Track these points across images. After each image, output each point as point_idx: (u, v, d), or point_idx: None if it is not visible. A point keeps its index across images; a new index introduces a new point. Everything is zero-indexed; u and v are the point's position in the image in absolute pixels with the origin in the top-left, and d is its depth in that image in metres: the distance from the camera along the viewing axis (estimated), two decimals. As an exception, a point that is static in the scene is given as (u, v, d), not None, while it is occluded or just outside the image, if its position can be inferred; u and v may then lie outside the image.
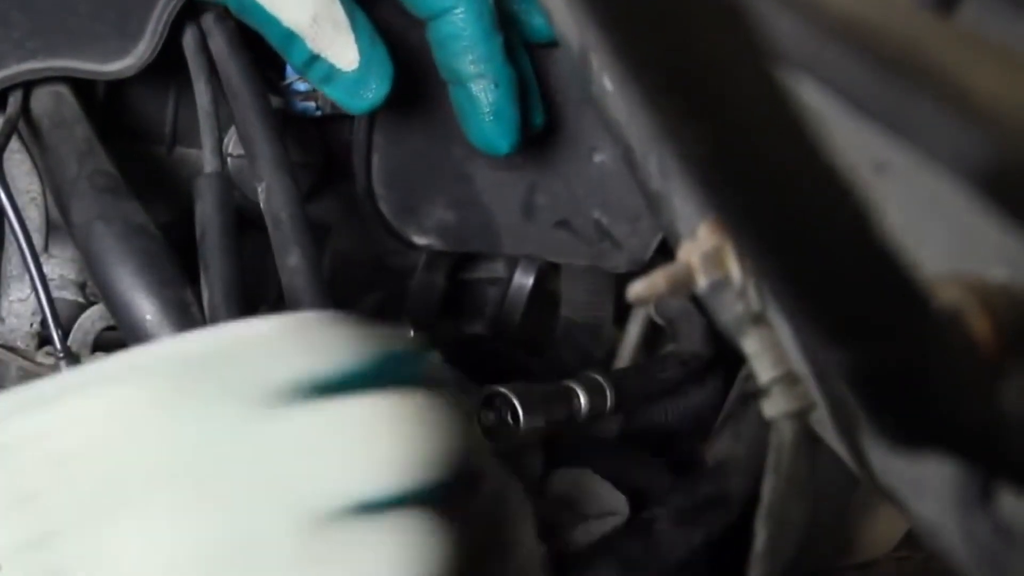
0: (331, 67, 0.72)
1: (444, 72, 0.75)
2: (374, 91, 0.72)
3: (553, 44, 0.79)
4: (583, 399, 0.79)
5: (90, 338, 0.74)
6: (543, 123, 0.80)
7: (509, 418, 0.75)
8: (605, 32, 0.25)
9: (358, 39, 0.71)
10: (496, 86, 0.74)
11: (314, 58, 0.72)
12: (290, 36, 0.71)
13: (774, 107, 0.26)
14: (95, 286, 0.73)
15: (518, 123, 0.76)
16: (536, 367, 0.92)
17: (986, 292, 0.33)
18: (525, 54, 0.79)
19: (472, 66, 0.73)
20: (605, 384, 0.80)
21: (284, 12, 0.70)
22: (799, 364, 0.42)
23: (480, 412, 0.75)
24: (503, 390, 0.75)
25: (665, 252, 0.89)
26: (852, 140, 0.37)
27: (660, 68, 0.25)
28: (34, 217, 0.73)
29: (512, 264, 0.97)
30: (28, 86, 0.73)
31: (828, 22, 0.38)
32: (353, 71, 0.72)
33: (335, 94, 0.73)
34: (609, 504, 0.80)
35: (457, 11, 0.72)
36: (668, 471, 0.87)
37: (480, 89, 0.74)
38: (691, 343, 0.89)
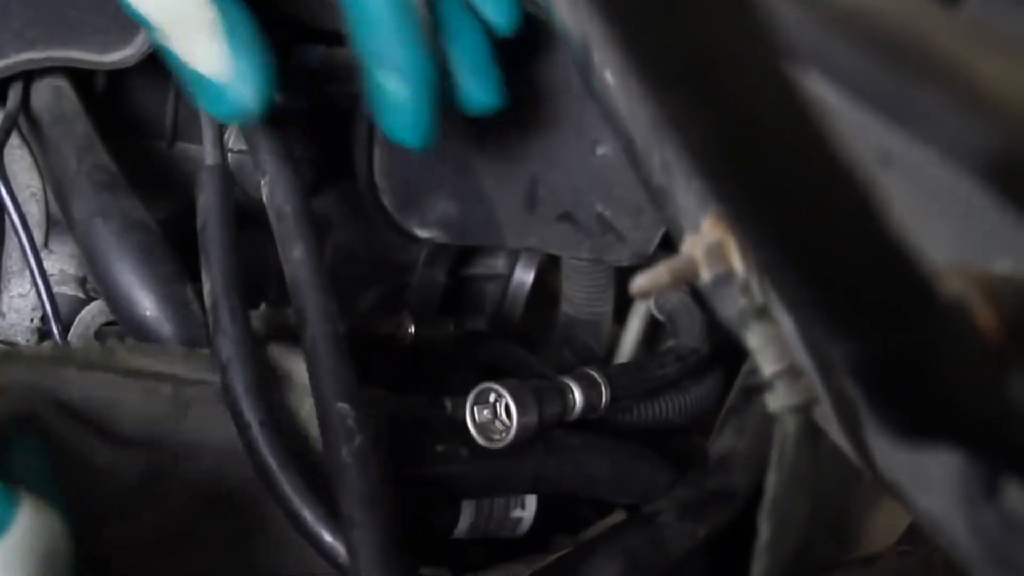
0: (197, 73, 0.64)
1: (359, 56, 0.66)
2: (240, 98, 0.64)
3: (511, 36, 0.71)
4: (577, 395, 0.78)
5: (90, 333, 0.74)
6: (499, 103, 0.71)
7: (503, 414, 0.75)
8: (608, 24, 0.25)
9: (230, 43, 0.63)
10: (408, 79, 0.65)
11: (180, 63, 0.64)
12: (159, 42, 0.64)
13: (779, 98, 0.26)
14: (95, 281, 0.73)
15: (432, 119, 0.67)
16: (536, 363, 0.92)
17: (992, 283, 0.33)
18: (478, 28, 0.70)
19: (385, 56, 0.65)
20: (600, 380, 0.79)
21: (142, 3, 0.63)
22: (802, 357, 0.42)
23: (473, 408, 0.75)
24: (496, 386, 0.75)
25: (667, 246, 0.89)
26: (857, 131, 0.37)
27: (664, 59, 0.25)
28: (34, 212, 0.73)
29: (512, 260, 0.97)
30: (28, 80, 0.73)
31: (833, 12, 0.37)
32: (219, 79, 0.63)
33: (202, 102, 0.65)
34: None
35: None
36: (670, 468, 0.87)
37: (389, 80, 0.65)
38: (691, 338, 0.89)
